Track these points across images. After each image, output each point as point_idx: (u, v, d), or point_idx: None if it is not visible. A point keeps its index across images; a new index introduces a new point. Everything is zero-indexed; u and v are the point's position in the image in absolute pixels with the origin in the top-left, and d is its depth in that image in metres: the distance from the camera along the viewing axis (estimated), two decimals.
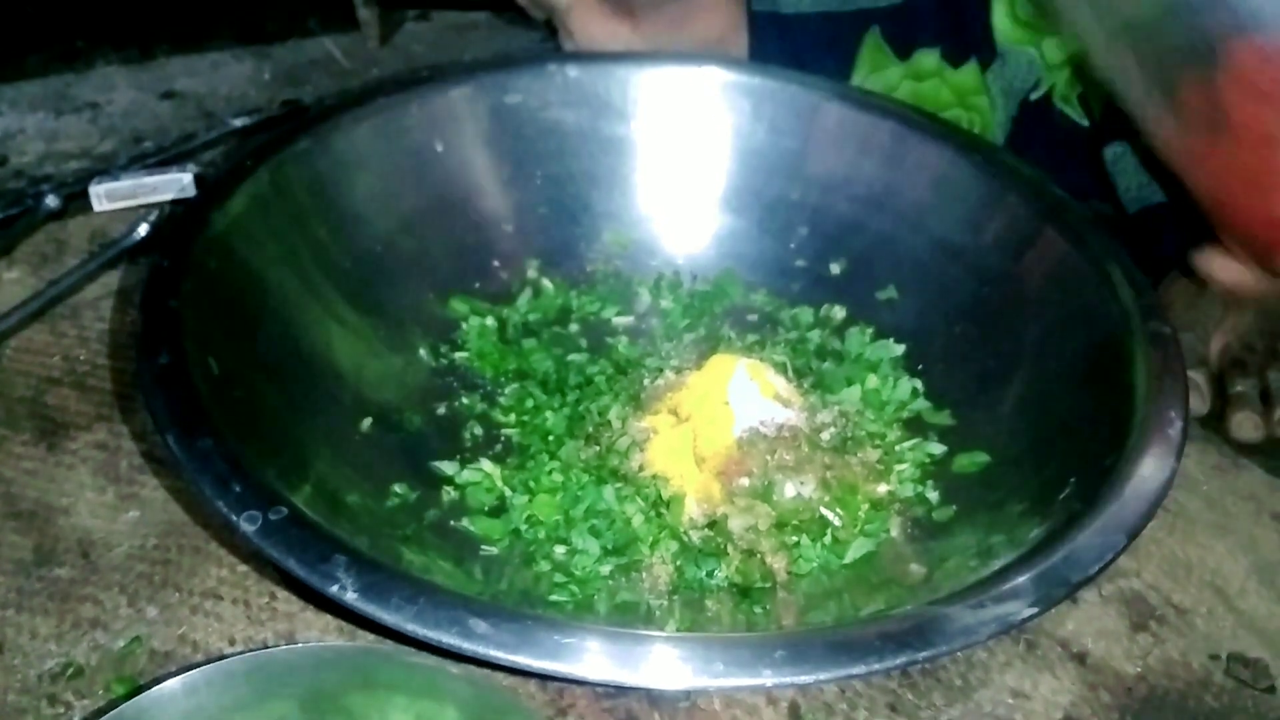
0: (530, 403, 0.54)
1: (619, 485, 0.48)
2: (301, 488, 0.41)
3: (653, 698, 0.44)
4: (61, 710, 0.42)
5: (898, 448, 0.51)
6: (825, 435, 0.50)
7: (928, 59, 0.71)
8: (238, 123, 0.81)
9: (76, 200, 0.67)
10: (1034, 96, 0.70)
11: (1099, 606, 0.50)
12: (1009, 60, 0.69)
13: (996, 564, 0.40)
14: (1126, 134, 0.66)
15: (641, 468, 0.48)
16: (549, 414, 0.53)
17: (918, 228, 0.59)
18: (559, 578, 0.45)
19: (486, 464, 0.50)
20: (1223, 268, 0.57)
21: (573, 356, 0.57)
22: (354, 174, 0.57)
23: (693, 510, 0.47)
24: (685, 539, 0.46)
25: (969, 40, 0.70)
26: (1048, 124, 0.70)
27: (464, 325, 0.58)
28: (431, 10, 1.01)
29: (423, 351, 0.56)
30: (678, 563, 0.46)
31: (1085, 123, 0.69)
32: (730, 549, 0.46)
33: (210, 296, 0.47)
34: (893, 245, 0.60)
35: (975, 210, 0.58)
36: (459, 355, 0.57)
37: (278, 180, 0.53)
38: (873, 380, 0.55)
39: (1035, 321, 0.53)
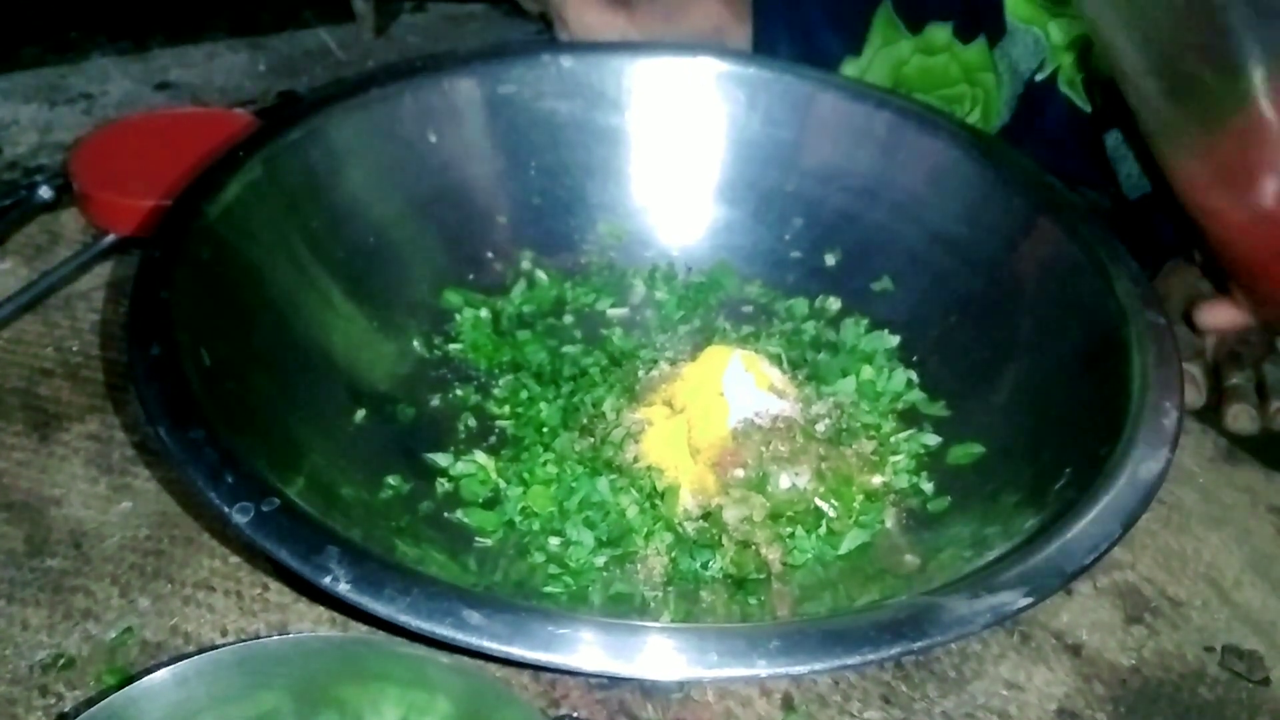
0: (524, 394, 0.53)
1: (613, 477, 0.48)
2: (294, 480, 0.41)
3: (646, 689, 0.43)
4: (53, 701, 0.42)
5: (892, 439, 0.51)
6: (820, 426, 0.49)
7: (939, 33, 0.71)
8: None
9: (69, 191, 0.66)
10: (1039, 77, 0.69)
11: (1093, 598, 0.50)
12: (1016, 38, 0.69)
13: (991, 555, 0.40)
14: (1127, 124, 0.65)
15: (636, 459, 0.48)
16: (543, 406, 0.52)
17: (913, 219, 0.59)
18: (553, 569, 0.44)
19: (480, 456, 0.50)
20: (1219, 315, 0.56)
21: (567, 348, 0.57)
22: (347, 165, 0.57)
23: (687, 502, 0.47)
24: (680, 530, 0.46)
25: (980, 16, 0.70)
26: (1050, 106, 0.70)
27: (458, 317, 0.58)
28: (427, 1, 1.01)
29: (416, 343, 0.56)
30: (672, 554, 0.46)
31: (1088, 108, 0.69)
32: (725, 540, 0.46)
33: (202, 287, 0.47)
34: (888, 236, 0.60)
35: (970, 201, 0.58)
36: (453, 347, 0.57)
37: (271, 171, 0.53)
38: (867, 371, 0.54)
39: (1030, 313, 0.53)
